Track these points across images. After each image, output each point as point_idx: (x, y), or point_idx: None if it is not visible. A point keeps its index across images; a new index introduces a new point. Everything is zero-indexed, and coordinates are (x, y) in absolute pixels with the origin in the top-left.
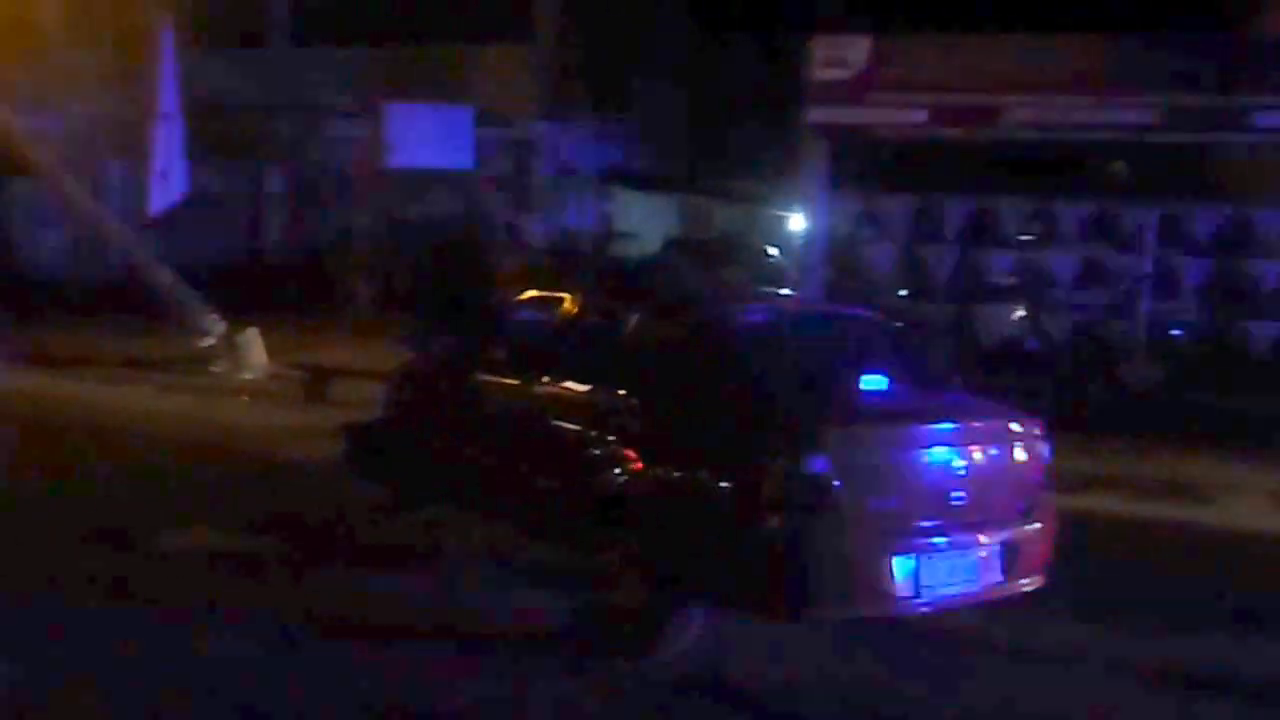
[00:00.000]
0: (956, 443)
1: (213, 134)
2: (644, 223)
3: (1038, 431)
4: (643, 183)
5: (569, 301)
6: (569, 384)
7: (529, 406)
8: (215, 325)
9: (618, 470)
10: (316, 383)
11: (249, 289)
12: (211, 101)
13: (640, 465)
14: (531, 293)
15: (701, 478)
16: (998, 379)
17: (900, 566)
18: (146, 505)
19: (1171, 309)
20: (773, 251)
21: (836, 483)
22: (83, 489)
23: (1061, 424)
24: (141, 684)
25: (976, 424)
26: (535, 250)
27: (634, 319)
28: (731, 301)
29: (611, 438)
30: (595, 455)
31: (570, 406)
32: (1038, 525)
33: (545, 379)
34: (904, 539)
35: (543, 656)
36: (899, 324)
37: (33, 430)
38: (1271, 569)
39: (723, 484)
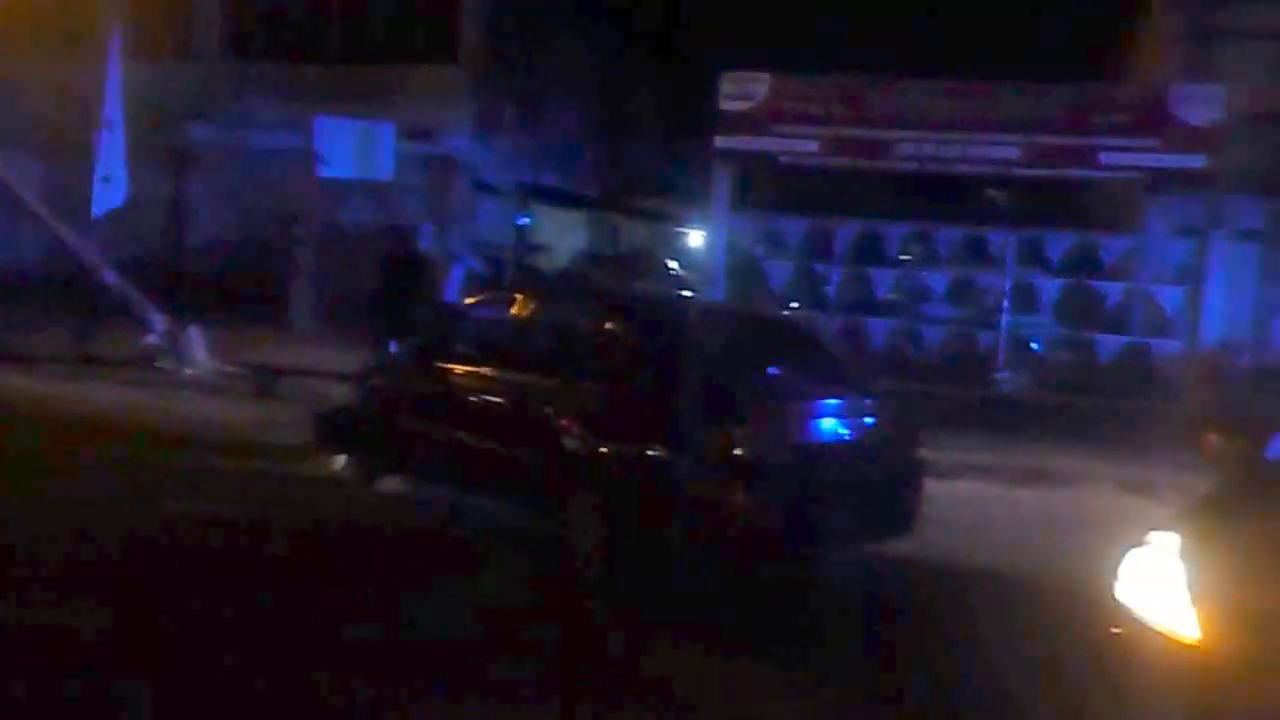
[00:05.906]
0: (853, 418)
1: (140, 140)
2: (557, 237)
3: (909, 413)
4: (557, 198)
5: (520, 302)
6: (522, 371)
7: (489, 390)
8: (159, 323)
9: (569, 440)
10: (265, 379)
11: (180, 291)
12: (140, 109)
13: (587, 435)
14: (484, 294)
15: (650, 444)
16: (882, 382)
17: (810, 514)
18: (143, 485)
19: (1030, 322)
20: (673, 265)
21: (764, 448)
22: (74, 473)
23: (943, 422)
24: None
25: (868, 405)
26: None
27: (581, 317)
28: (663, 301)
29: (564, 416)
30: (551, 429)
31: (525, 389)
32: (911, 484)
33: (501, 367)
34: (813, 492)
35: (516, 589)
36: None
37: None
38: None
39: (670, 449)
